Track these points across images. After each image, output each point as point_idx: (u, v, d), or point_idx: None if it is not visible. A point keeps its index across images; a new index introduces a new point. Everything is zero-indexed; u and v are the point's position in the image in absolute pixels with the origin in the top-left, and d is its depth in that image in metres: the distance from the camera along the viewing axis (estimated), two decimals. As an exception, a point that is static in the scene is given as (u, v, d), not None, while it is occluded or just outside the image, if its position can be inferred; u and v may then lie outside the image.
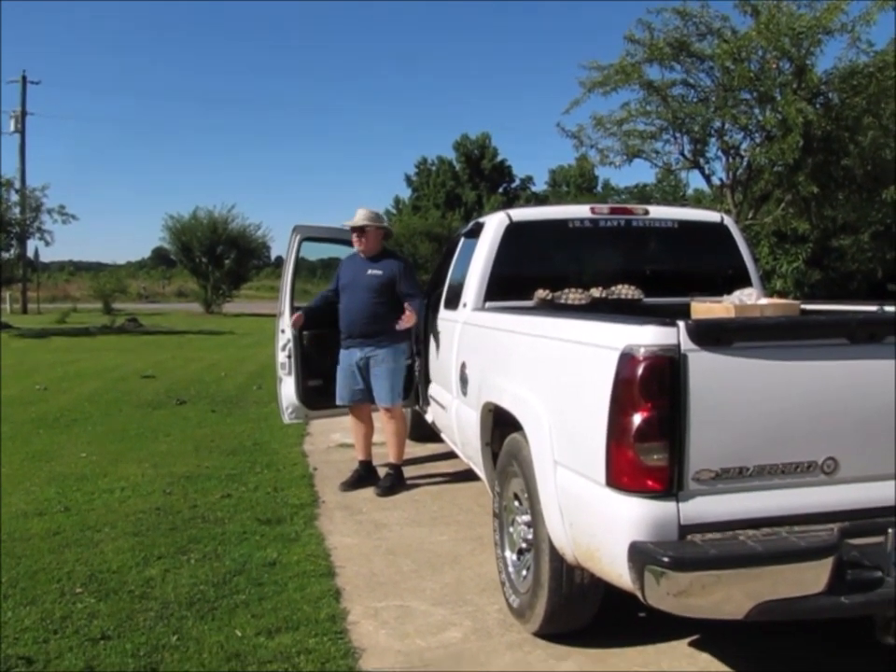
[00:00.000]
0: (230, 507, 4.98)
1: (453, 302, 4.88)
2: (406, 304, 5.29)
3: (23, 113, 33.47)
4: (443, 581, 3.86)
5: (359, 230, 5.40)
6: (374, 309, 5.34)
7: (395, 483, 5.48)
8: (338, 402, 5.61)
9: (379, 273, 5.41)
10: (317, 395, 5.86)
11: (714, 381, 2.41)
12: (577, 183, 46.17)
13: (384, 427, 5.56)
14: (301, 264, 5.99)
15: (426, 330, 5.64)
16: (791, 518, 2.45)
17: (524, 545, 3.34)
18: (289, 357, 5.79)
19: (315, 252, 6.31)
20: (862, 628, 2.62)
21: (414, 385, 5.93)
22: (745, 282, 4.58)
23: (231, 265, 32.97)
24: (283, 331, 5.82)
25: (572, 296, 4.44)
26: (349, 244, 5.59)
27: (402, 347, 5.45)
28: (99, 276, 37.89)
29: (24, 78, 33.65)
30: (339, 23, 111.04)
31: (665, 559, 2.28)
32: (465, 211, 42.36)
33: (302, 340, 5.84)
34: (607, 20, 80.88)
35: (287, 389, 5.88)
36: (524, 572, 3.34)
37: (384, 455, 5.72)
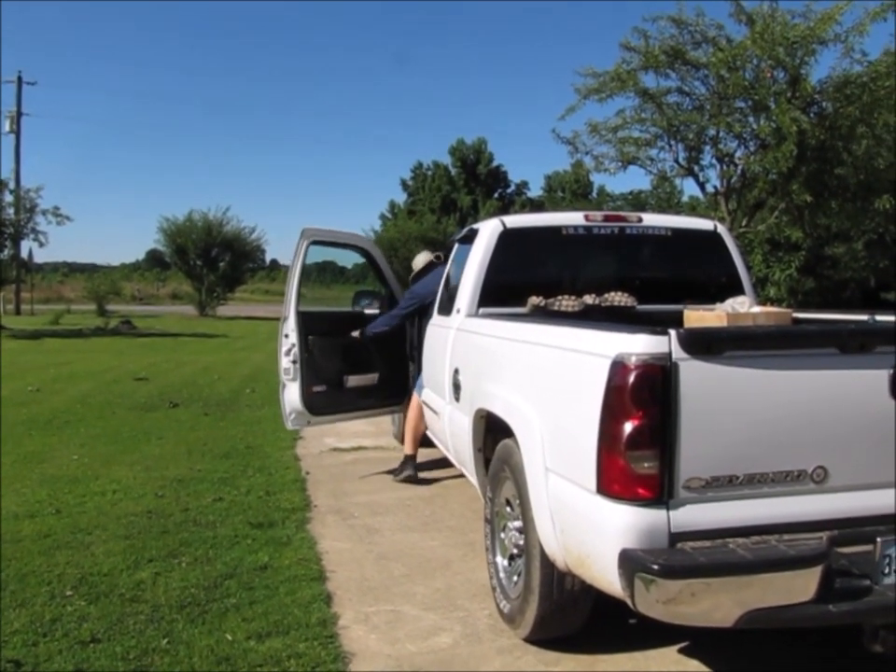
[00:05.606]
0: (221, 510, 4.98)
1: (446, 308, 4.88)
2: None
3: (19, 113, 33.44)
4: (434, 587, 3.86)
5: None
6: None
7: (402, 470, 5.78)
8: None
9: None
10: (321, 401, 5.84)
11: (705, 389, 2.42)
12: (572, 189, 46.18)
13: None
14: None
15: (419, 336, 5.64)
16: (780, 526, 2.46)
17: (515, 551, 3.35)
18: (294, 362, 5.71)
19: (313, 256, 6.27)
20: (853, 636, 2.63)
21: (408, 391, 5.94)
22: (738, 290, 4.60)
23: (225, 268, 32.98)
24: (286, 336, 5.72)
25: (565, 303, 4.45)
26: (356, 248, 5.64)
27: None
28: (93, 278, 37.80)
29: (20, 79, 33.65)
30: (335, 27, 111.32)
31: (655, 567, 2.30)
32: (460, 216, 42.40)
33: (308, 345, 5.79)
34: (603, 26, 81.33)
35: (291, 395, 5.77)
36: (515, 578, 3.35)
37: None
